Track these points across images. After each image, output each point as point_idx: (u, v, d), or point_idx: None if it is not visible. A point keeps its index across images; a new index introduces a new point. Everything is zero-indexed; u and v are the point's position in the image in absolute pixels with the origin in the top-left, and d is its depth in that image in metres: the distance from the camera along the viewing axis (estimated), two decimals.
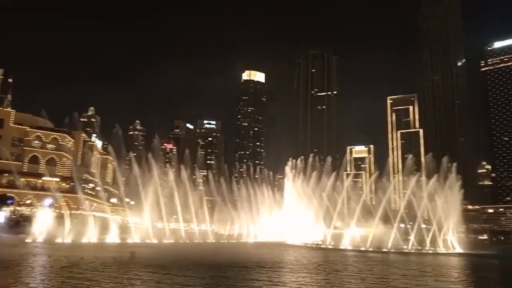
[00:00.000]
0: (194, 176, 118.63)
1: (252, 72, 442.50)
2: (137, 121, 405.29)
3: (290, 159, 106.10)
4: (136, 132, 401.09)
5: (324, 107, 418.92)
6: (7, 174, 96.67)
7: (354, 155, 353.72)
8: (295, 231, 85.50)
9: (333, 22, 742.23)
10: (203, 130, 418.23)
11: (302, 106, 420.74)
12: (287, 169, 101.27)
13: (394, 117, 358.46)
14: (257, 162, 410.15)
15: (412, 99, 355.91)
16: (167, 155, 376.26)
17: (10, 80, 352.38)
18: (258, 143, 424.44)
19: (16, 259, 34.06)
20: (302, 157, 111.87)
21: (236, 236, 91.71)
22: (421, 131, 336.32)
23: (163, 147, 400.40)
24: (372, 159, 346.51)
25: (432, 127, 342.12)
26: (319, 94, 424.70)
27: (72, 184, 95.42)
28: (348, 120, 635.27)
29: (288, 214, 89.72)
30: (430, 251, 69.58)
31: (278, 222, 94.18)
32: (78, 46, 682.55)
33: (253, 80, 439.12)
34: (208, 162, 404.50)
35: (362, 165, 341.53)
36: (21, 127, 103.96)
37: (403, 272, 36.82)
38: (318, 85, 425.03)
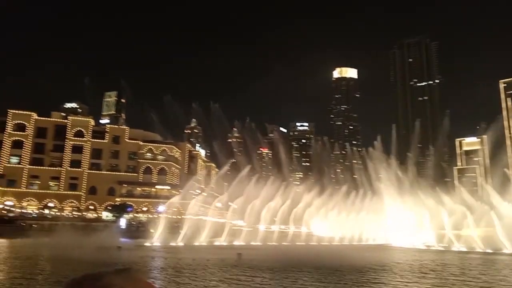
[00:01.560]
0: (291, 179, 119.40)
1: (344, 69, 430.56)
2: (235, 129, 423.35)
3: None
4: (234, 140, 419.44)
5: (425, 98, 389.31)
6: (126, 185, 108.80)
7: (465, 148, 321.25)
8: (400, 232, 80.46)
9: (425, 8, 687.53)
10: (296, 133, 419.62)
11: (401, 99, 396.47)
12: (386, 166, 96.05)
13: (509, 103, 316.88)
14: (354, 161, 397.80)
15: None
16: (263, 159, 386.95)
17: (123, 100, 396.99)
18: (354, 142, 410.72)
19: (138, 261, 37.85)
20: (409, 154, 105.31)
21: (338, 238, 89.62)
22: None
23: (259, 152, 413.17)
24: (486, 151, 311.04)
25: None
26: (418, 84, 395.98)
27: (181, 191, 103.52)
28: (454, 110, 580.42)
29: (390, 215, 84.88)
30: None
31: (380, 224, 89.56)
32: (176, 61, 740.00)
33: (345, 77, 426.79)
34: (304, 164, 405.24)
35: (475, 158, 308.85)
36: (135, 141, 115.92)
37: None
38: (417, 75, 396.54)
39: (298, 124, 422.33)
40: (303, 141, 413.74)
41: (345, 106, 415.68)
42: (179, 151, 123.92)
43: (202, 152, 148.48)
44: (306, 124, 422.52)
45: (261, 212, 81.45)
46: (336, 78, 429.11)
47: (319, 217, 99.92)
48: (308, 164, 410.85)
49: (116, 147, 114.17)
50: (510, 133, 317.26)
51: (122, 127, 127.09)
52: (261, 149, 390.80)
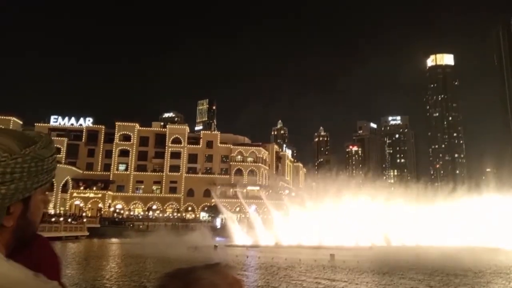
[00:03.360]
0: (385, 177, 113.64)
1: (438, 56, 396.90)
2: (321, 127, 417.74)
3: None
4: (321, 138, 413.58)
5: None
6: (219, 187, 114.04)
7: None
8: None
9: None
10: (388, 128, 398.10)
11: (509, 83, 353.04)
12: None
13: None
14: (456, 155, 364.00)
15: None
16: (353, 157, 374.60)
17: (214, 107, 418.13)
18: (454, 134, 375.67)
19: (233, 260, 39.22)
20: None
21: (439, 239, 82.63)
22: None
23: (348, 149, 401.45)
24: None
25: None
26: None
27: (271, 191, 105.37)
28: None
29: (502, 215, 75.53)
30: None
31: (487, 225, 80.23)
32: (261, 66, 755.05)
33: (441, 65, 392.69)
34: (398, 161, 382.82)
35: None
36: (226, 145, 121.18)
37: None
38: None
39: (390, 118, 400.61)
40: (396, 136, 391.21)
41: (442, 96, 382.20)
42: (267, 152, 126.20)
43: (289, 153, 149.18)
44: (399, 117, 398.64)
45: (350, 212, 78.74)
46: (430, 67, 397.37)
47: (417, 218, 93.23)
48: (403, 160, 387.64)
49: (210, 152, 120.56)
50: None
51: (214, 132, 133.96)
52: (350, 146, 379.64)
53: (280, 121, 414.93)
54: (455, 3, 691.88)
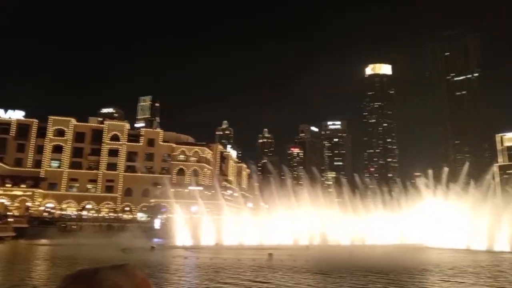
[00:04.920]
0: (323, 179, 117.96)
1: (377, 65, 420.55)
2: (265, 129, 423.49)
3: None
4: (265, 140, 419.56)
5: (464, 92, 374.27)
6: (160, 186, 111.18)
7: (507, 144, 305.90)
8: (436, 232, 77.47)
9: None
10: (328, 132, 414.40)
11: (438, 95, 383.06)
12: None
13: None
14: (389, 160, 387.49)
15: None
16: (295, 159, 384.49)
17: (157, 104, 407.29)
18: (388, 140, 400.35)
19: (167, 262, 38.54)
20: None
21: (369, 238, 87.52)
22: None
23: (290, 151, 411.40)
24: None
25: None
26: (456, 79, 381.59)
27: (214, 191, 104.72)
28: (495, 104, 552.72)
29: (427, 214, 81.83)
30: None
31: (416, 223, 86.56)
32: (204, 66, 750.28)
33: (379, 74, 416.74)
34: (336, 163, 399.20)
35: None
36: (168, 144, 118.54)
37: None
38: (455, 69, 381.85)
39: (329, 123, 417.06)
40: (335, 140, 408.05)
41: (379, 103, 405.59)
42: (211, 152, 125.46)
43: (234, 153, 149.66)
44: (339, 122, 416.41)
45: (292, 212, 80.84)
46: (369, 75, 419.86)
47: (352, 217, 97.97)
48: (340, 163, 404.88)
49: (151, 150, 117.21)
50: None
51: (156, 130, 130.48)
52: (292, 149, 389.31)
53: (225, 121, 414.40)
54: (396, 21, 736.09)
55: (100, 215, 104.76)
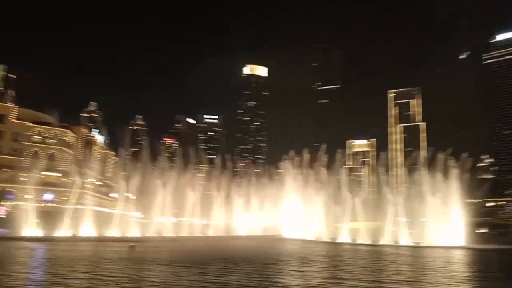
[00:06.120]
0: (194, 171, 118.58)
1: (254, 66, 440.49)
2: (139, 116, 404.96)
3: (290, 152, 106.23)
4: (137, 127, 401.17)
5: (326, 101, 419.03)
6: (8, 169, 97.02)
7: (356, 149, 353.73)
8: (293, 225, 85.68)
9: (337, 16, 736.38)
10: (204, 125, 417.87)
11: (305, 100, 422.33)
12: (285, 163, 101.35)
13: (396, 111, 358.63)
14: (258, 156, 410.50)
15: (415, 92, 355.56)
16: (168, 150, 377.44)
17: (13, 76, 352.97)
18: (259, 138, 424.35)
19: (9, 254, 34.22)
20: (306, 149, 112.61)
21: (234, 230, 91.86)
22: (423, 124, 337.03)
23: (163, 141, 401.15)
24: (374, 153, 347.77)
25: (434, 120, 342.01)
26: (321, 88, 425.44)
27: (73, 179, 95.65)
28: (350, 114, 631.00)
29: (286, 209, 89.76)
30: (430, 245, 69.37)
31: (276, 216, 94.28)
32: (82, 41, 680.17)
33: (255, 75, 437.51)
34: (210, 156, 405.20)
35: (364, 159, 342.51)
36: (22, 122, 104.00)
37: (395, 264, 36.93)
38: (321, 78, 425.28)
39: (206, 116, 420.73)
40: (210, 133, 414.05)
41: (254, 103, 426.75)
42: (74, 135, 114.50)
43: (101, 139, 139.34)
44: (215, 116, 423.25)
45: (161, 204, 79.48)
46: (246, 75, 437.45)
47: (220, 209, 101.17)
48: (214, 156, 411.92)
49: (0, 127, 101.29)
50: (393, 138, 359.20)
51: (8, 104, 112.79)
52: (165, 139, 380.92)
53: (94, 103, 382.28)
54: (277, 27, 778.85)
55: None
